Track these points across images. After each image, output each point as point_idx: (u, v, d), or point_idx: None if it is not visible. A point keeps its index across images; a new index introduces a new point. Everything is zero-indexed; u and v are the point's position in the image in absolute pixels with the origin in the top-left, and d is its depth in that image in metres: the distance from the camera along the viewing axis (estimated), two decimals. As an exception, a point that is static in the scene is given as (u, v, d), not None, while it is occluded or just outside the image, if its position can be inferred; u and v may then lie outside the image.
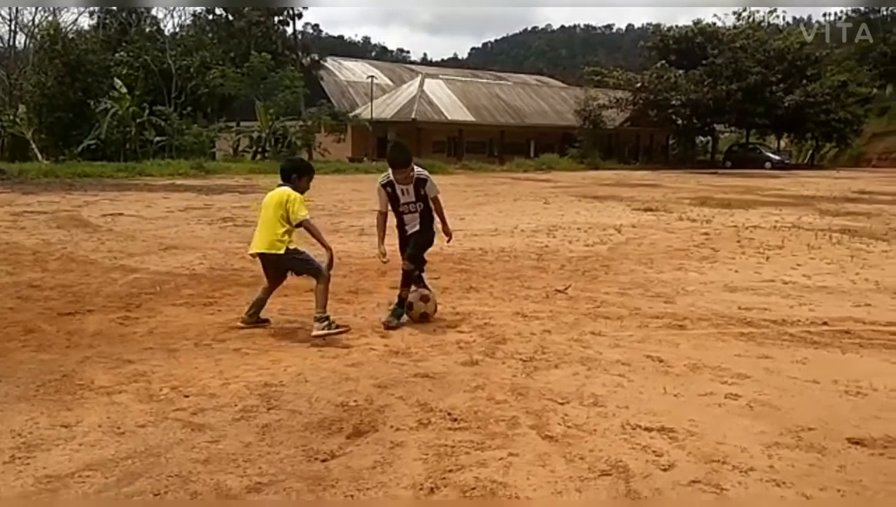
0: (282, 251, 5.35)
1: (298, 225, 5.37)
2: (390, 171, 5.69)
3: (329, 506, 2.90)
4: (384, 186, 5.75)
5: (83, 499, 2.91)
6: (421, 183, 5.74)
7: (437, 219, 5.97)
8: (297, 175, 5.50)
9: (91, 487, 3.01)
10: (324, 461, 3.30)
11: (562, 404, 4.04)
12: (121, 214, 13.39)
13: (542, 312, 6.23)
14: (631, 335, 5.48)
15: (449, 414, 3.87)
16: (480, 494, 2.99)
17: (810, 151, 52.17)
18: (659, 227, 12.70)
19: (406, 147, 6.01)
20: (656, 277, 7.92)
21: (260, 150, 34.22)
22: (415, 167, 5.71)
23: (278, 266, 5.57)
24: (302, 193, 5.44)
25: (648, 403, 4.06)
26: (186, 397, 4.07)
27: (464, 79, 47.64)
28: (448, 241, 6.16)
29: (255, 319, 5.65)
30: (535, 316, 6.07)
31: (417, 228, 5.82)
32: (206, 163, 29.31)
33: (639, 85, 42.65)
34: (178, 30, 41.49)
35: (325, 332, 5.19)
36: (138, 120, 31.06)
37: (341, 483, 3.08)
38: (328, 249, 5.39)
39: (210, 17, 40.40)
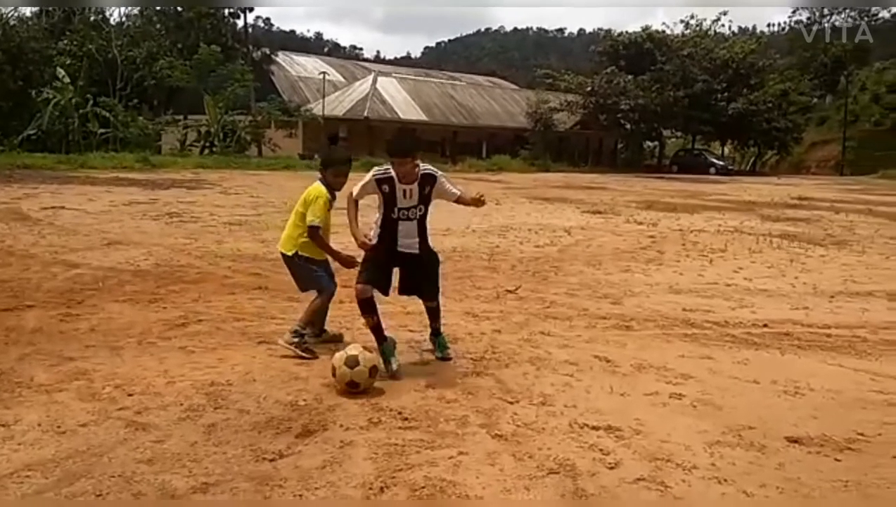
0: (290, 253, 4.97)
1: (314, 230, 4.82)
2: (390, 164, 4.53)
3: (277, 506, 2.86)
4: (380, 182, 4.50)
5: (22, 500, 2.82)
6: (427, 180, 4.55)
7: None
8: (322, 168, 4.94)
9: (30, 487, 2.92)
10: (272, 460, 3.27)
11: (511, 403, 4.07)
12: (62, 208, 12.99)
13: (492, 312, 6.27)
14: (579, 336, 5.57)
15: (399, 413, 3.87)
16: (430, 493, 3.00)
17: (753, 158, 53.73)
18: (607, 229, 12.91)
19: (414, 135, 4.98)
20: (604, 278, 8.05)
21: (208, 144, 33.60)
22: (419, 163, 4.53)
23: (288, 268, 5.11)
24: (337, 188, 4.88)
25: (596, 402, 4.13)
26: (130, 395, 3.97)
27: (417, 78, 47.63)
28: (477, 203, 4.76)
29: (326, 336, 5.14)
30: (485, 316, 6.11)
31: (416, 246, 4.64)
32: (152, 157, 28.64)
33: (589, 89, 43.25)
34: (124, 19, 40.48)
35: (292, 349, 4.75)
36: (81, 111, 30.16)
37: (290, 483, 3.05)
38: (338, 260, 4.87)
39: (157, 7, 39.49)
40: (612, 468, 3.29)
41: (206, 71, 33.29)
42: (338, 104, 40.38)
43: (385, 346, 4.58)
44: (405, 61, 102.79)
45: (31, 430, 3.48)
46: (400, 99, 41.59)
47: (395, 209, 4.54)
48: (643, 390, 4.35)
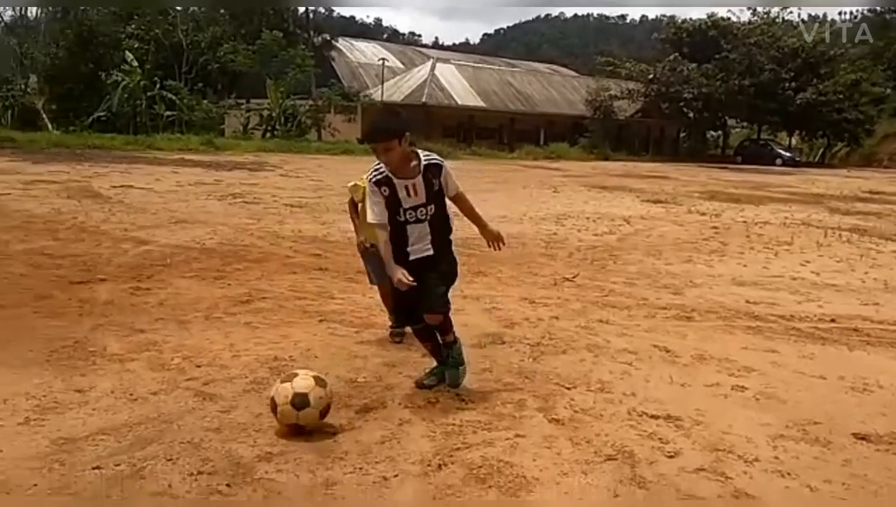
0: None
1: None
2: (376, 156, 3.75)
3: (338, 478, 2.93)
4: (378, 184, 3.72)
5: (96, 461, 2.95)
6: (433, 172, 3.76)
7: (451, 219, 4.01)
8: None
9: (105, 450, 3.05)
10: (333, 434, 3.34)
11: (569, 388, 4.06)
12: (131, 187, 13.42)
13: (549, 298, 6.25)
14: (638, 325, 5.50)
15: (457, 395, 3.90)
16: (487, 472, 3.03)
17: (821, 150, 51.89)
18: (668, 219, 12.68)
19: (395, 111, 4.23)
20: (665, 268, 7.93)
21: (270, 128, 34.19)
22: (419, 151, 3.79)
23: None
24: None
25: (655, 391, 4.09)
26: (198, 367, 4.11)
27: (475, 65, 47.43)
28: (495, 245, 4.14)
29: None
30: (542, 302, 6.09)
31: (430, 249, 3.84)
32: (216, 139, 29.31)
33: (651, 77, 42.41)
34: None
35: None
36: (149, 94, 31.05)
37: (350, 456, 3.12)
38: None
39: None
40: (671, 457, 3.26)
41: (269, 56, 33.80)
42: (396, 90, 40.55)
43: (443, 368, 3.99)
44: (464, 48, 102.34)
45: (105, 397, 3.64)
46: (458, 85, 41.50)
47: (401, 211, 3.75)
48: (704, 381, 4.28)
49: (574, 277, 7.19)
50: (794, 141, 52.58)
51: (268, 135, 33.70)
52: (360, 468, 3.01)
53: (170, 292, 5.82)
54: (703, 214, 13.73)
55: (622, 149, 41.80)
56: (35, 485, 2.76)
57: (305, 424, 3.27)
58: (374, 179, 3.74)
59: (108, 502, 2.66)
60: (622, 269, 7.81)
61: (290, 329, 4.96)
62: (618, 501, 2.86)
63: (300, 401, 3.24)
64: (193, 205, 11.44)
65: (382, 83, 39.62)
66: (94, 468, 2.89)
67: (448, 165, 3.91)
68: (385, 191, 3.72)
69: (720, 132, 50.23)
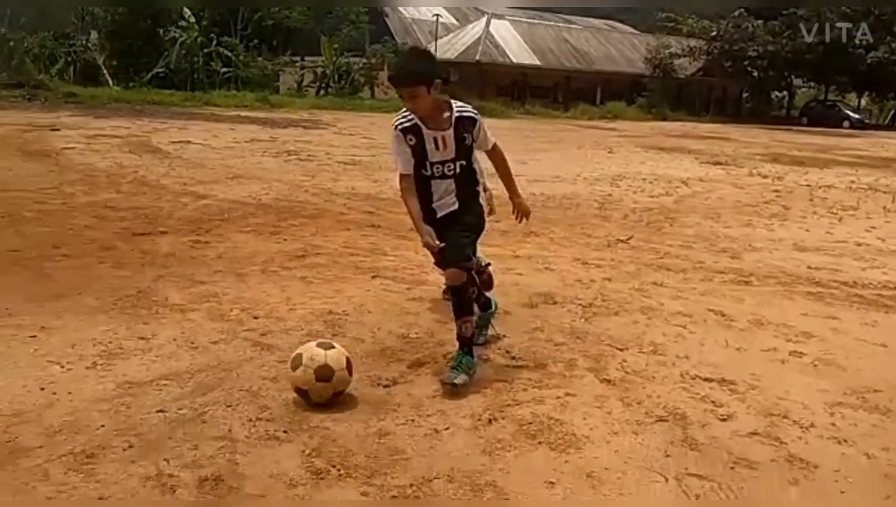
0: None
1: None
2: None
3: (391, 428, 2.99)
4: (405, 131, 3.44)
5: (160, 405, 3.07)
6: (465, 125, 3.45)
7: (482, 185, 3.82)
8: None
9: (168, 395, 3.17)
10: (386, 386, 3.40)
11: (621, 350, 4.04)
12: (189, 143, 13.68)
13: (603, 260, 6.19)
14: (694, 288, 5.42)
15: (507, 352, 3.92)
16: (538, 429, 3.05)
17: (892, 112, 49.63)
18: (728, 181, 12.37)
19: (426, 54, 3.78)
20: (723, 231, 7.76)
21: (324, 86, 34.31)
22: (452, 102, 3.49)
23: None
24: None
25: (709, 355, 4.04)
26: (255, 318, 4.22)
27: (531, 21, 46.48)
28: (519, 218, 3.82)
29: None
30: (595, 264, 6.04)
31: (455, 203, 3.57)
32: (271, 96, 29.55)
33: (714, 34, 40.98)
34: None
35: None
36: (206, 50, 31.38)
37: (403, 408, 3.18)
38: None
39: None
40: (724, 421, 3.23)
41: (323, 12, 33.75)
42: (450, 47, 40.09)
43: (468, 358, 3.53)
44: (519, 4, 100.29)
45: (167, 344, 3.77)
46: (513, 42, 40.81)
47: (427, 164, 3.48)
48: (760, 346, 4.21)
49: (628, 238, 7.10)
50: (863, 102, 50.39)
51: (321, 92, 33.83)
52: (413, 421, 3.07)
53: (228, 246, 5.95)
54: (765, 176, 13.35)
55: (681, 109, 40.70)
56: (102, 426, 2.89)
57: (314, 397, 3.10)
58: (400, 126, 3.44)
59: (170, 442, 2.77)
60: (678, 231, 7.67)
61: (343, 285, 5.03)
62: (668, 461, 2.85)
63: (324, 373, 3.08)
64: (249, 161, 11.61)
65: (436, 40, 39.19)
66: (158, 412, 3.02)
67: (483, 120, 3.57)
68: (411, 140, 3.44)
69: (785, 92, 48.44)
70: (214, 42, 31.64)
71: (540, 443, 2.94)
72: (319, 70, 34.60)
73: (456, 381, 3.34)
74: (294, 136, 16.67)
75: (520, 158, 13.79)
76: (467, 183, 3.60)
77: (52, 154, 10.92)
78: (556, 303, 4.87)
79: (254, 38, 34.87)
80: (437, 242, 3.40)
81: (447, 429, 3.02)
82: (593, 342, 4.14)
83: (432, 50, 37.54)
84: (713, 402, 3.41)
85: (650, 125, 32.10)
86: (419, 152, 3.46)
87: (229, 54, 31.81)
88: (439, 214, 3.57)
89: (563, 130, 25.35)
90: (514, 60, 39.48)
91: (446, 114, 3.43)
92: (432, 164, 3.48)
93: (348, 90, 33.83)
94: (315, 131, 18.40)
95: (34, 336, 3.77)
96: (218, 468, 2.61)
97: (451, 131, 3.43)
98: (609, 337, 4.23)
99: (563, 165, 13.73)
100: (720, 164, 15.44)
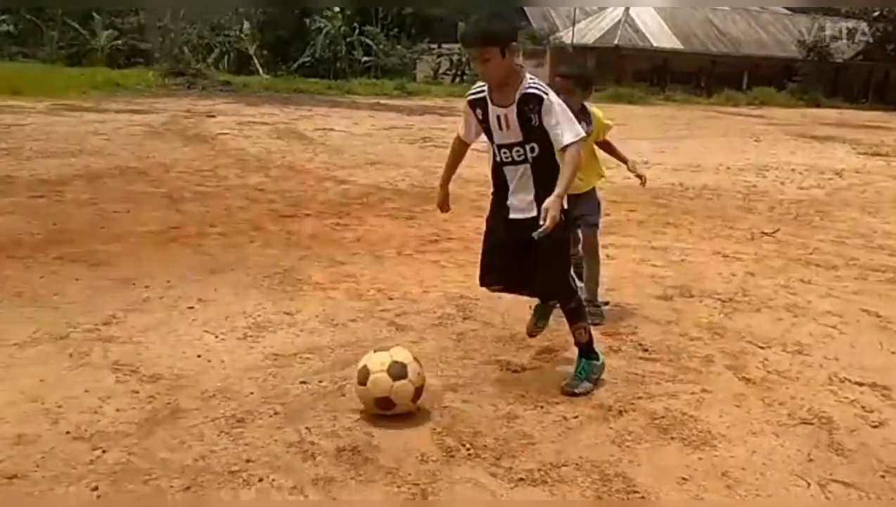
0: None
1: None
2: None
3: (519, 413, 3.03)
4: (473, 103, 3.14)
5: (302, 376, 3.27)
6: (529, 103, 2.97)
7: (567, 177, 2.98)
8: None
9: (310, 368, 3.36)
10: (515, 372, 3.44)
11: (762, 348, 3.87)
12: (332, 129, 14.25)
13: (745, 253, 5.92)
14: (846, 286, 5.08)
15: (640, 345, 3.85)
16: (670, 423, 2.99)
17: None
18: (888, 174, 11.43)
19: (504, 13, 3.12)
20: (881, 227, 7.20)
21: (459, 73, 34.63)
22: (528, 76, 3.03)
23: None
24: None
25: (861, 357, 3.79)
26: (391, 299, 4.37)
27: (674, 4, 44.68)
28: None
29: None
30: (737, 257, 5.78)
31: (533, 209, 3.04)
32: (408, 84, 30.18)
33: (876, 14, 37.74)
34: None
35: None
36: (348, 39, 32.48)
37: (531, 394, 3.20)
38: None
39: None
40: (875, 427, 3.03)
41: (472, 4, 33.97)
42: (587, 32, 39.28)
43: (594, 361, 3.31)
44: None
45: (310, 320, 3.98)
46: (654, 26, 39.40)
47: (496, 148, 3.12)
48: (921, 352, 3.90)
49: (774, 232, 6.74)
50: None
51: (457, 80, 34.17)
52: (541, 407, 3.09)
53: (366, 229, 6.19)
54: (933, 168, 12.23)
55: (837, 95, 37.85)
56: (251, 393, 3.11)
57: (398, 401, 2.85)
58: (470, 97, 3.15)
59: (311, 412, 2.94)
60: (830, 226, 7.19)
61: (475, 270, 5.07)
62: (811, 465, 2.71)
63: (398, 371, 2.86)
64: (387, 148, 11.96)
65: (574, 24, 38.56)
66: (301, 383, 3.21)
67: (556, 100, 3.00)
68: (479, 114, 3.10)
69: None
70: (356, 31, 32.68)
71: (672, 438, 2.88)
72: (455, 57, 34.94)
73: (577, 391, 3.20)
74: (429, 123, 16.97)
75: (659, 146, 13.41)
76: (548, 176, 3.00)
77: (208, 139, 11.71)
78: (692, 296, 4.72)
79: (394, 27, 35.73)
80: (447, 209, 3.51)
81: (576, 418, 3.01)
82: (732, 339, 3.99)
83: (569, 35, 37.03)
84: (863, 407, 3.20)
85: (801, 112, 30.09)
86: (487, 130, 3.12)
87: (370, 43, 32.76)
88: (511, 216, 3.13)
89: (705, 116, 24.26)
90: (655, 45, 38.13)
91: (512, 84, 2.99)
92: (499, 147, 3.09)
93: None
94: (449, 119, 18.61)
95: (192, 307, 4.11)
96: (355, 439, 2.75)
97: (513, 108, 2.98)
98: (750, 334, 4.06)
99: (705, 153, 13.16)
100: (880, 155, 14.26)
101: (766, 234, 6.65)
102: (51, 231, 5.64)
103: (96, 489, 2.39)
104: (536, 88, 2.97)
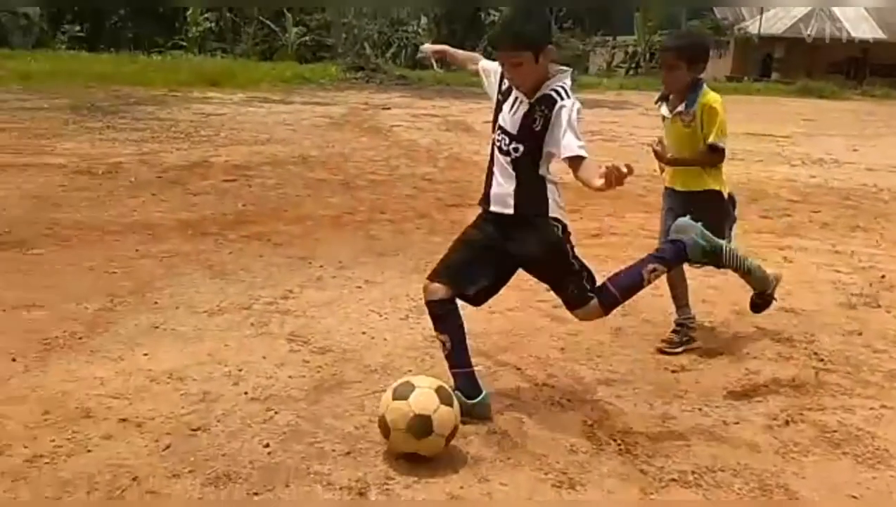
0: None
1: None
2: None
3: (675, 413, 2.94)
4: (503, 75, 2.88)
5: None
6: (542, 104, 2.74)
7: (556, 192, 2.99)
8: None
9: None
10: (674, 372, 3.35)
11: (963, 367, 3.49)
12: (498, 123, 14.38)
13: (947, 263, 5.34)
14: None
15: (815, 354, 3.61)
16: (843, 437, 2.79)
17: None
18: None
19: (538, 13, 2.92)
20: None
21: (633, 65, 33.71)
22: (558, 76, 2.77)
23: None
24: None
25: None
26: (548, 290, 4.35)
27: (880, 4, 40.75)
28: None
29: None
30: (937, 266, 5.23)
31: (510, 205, 2.89)
32: (580, 77, 29.78)
33: None
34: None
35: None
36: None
37: (690, 396, 3.11)
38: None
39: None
40: None
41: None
42: (776, 21, 36.73)
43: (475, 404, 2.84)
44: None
45: (469, 306, 4.03)
46: (852, 13, 36.10)
47: (496, 126, 2.88)
48: None
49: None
50: None
51: (631, 72, 33.27)
52: (699, 409, 2.99)
53: (528, 221, 6.21)
54: None
55: None
56: (410, 370, 3.25)
57: (428, 453, 2.51)
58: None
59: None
60: None
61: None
62: None
63: (421, 427, 2.45)
64: (555, 140, 11.88)
65: (762, 13, 36.21)
66: (461, 366, 3.30)
67: (571, 106, 2.72)
68: (504, 87, 2.87)
69: None
70: (533, 21, 32.68)
71: (844, 453, 2.69)
72: (630, 49, 34.02)
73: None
74: (599, 116, 16.65)
75: (852, 143, 12.38)
76: (529, 182, 2.83)
77: (382, 131, 12.24)
78: (879, 306, 4.35)
79: (568, 19, 35.37)
80: (424, 54, 3.62)
81: (737, 423, 2.89)
82: (925, 354, 3.63)
83: (755, 25, 34.85)
84: None
85: None
86: (499, 106, 2.89)
87: (546, 35, 32.65)
88: (491, 207, 2.91)
89: (909, 112, 21.99)
90: (852, 34, 34.97)
91: (538, 83, 2.74)
92: (500, 128, 2.84)
93: (657, 70, 32.81)
94: (620, 112, 18.20)
95: (360, 287, 4.35)
96: (505, 423, 2.81)
97: (524, 103, 2.76)
98: (949, 351, 3.68)
99: (906, 152, 11.95)
100: None
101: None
102: (239, 212, 6.18)
103: (268, 446, 2.62)
104: (556, 90, 2.73)
